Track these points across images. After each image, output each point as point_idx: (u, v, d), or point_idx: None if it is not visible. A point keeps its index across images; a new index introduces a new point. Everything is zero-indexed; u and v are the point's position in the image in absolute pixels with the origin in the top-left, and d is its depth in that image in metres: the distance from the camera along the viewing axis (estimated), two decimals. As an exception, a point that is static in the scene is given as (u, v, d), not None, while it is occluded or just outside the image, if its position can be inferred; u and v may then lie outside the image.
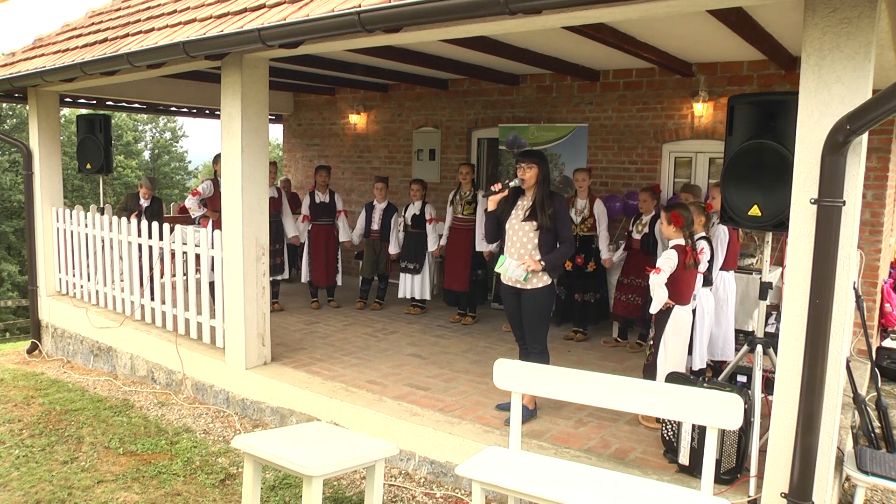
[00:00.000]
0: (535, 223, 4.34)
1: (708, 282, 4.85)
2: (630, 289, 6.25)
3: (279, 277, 7.56)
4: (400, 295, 7.66)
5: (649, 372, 4.55)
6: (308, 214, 7.74)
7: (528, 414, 4.50)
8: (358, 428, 4.61)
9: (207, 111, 10.42)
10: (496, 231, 4.56)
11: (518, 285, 4.41)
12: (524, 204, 4.43)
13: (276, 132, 17.50)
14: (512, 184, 4.39)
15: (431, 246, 7.41)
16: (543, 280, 4.36)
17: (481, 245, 6.96)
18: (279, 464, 3.35)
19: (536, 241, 4.35)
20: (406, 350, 6.17)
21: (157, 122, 35.47)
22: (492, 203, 4.43)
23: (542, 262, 4.30)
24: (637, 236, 6.20)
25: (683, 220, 4.42)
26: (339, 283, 7.99)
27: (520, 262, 4.33)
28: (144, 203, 7.70)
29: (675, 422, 3.85)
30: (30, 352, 7.52)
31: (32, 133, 7.40)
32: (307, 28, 3.91)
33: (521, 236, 4.38)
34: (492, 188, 4.41)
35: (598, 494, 2.86)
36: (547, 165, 4.44)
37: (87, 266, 7.14)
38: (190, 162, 37.29)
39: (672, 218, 4.42)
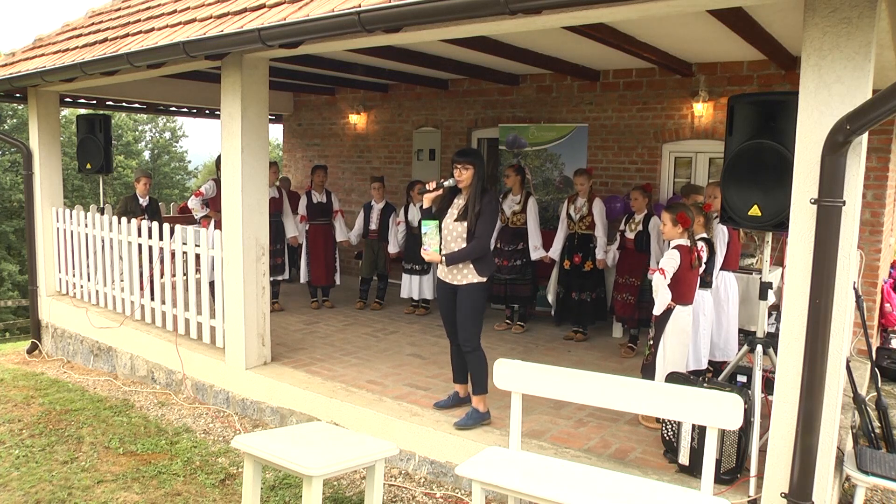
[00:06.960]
0: (465, 223, 4.38)
1: (706, 284, 4.84)
2: (624, 288, 6.26)
3: (279, 277, 7.57)
4: (404, 295, 7.61)
5: (648, 372, 4.55)
6: (305, 214, 7.75)
7: (480, 417, 4.39)
8: (358, 428, 4.62)
9: (207, 111, 10.41)
10: None
11: (453, 282, 4.41)
12: (459, 203, 4.45)
13: (276, 132, 17.50)
14: (447, 183, 4.40)
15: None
16: (478, 277, 4.39)
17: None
18: (279, 464, 3.35)
19: (467, 240, 4.39)
20: (406, 350, 6.16)
21: (156, 122, 35.47)
22: (427, 201, 4.47)
23: (444, 258, 4.32)
24: (630, 235, 6.20)
25: (691, 221, 4.43)
26: (338, 282, 7.99)
27: (430, 254, 4.33)
28: (144, 202, 7.71)
29: (675, 422, 3.85)
30: (30, 352, 7.53)
31: (32, 133, 7.40)
32: (307, 28, 3.91)
33: (456, 236, 4.41)
34: (427, 186, 4.44)
35: (598, 494, 2.86)
36: (483, 167, 4.44)
37: (87, 266, 7.14)
38: (190, 162, 37.31)
39: (680, 218, 4.41)
